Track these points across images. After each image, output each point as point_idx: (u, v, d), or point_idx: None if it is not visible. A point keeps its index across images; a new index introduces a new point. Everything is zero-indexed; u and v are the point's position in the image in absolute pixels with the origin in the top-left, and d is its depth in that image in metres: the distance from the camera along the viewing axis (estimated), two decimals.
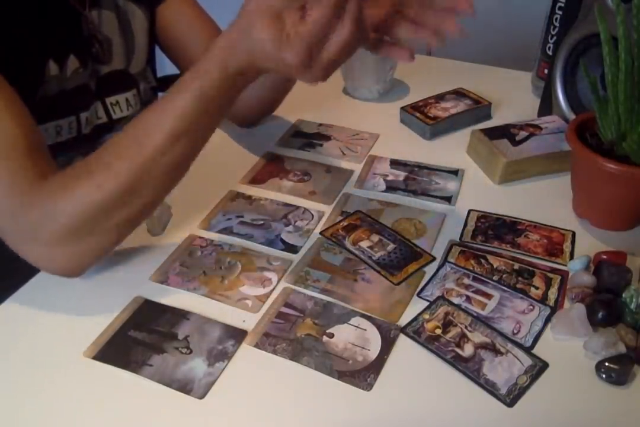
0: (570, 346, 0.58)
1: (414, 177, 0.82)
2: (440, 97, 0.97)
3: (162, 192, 0.61)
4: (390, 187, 0.80)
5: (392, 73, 1.01)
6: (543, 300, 0.63)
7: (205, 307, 0.62)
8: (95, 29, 0.75)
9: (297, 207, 0.76)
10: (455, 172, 0.83)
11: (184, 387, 0.54)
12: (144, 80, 0.86)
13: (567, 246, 0.70)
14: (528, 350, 0.57)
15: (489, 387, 0.54)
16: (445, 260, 0.68)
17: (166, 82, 1.03)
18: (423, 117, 0.92)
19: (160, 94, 1.03)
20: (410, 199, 0.78)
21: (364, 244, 0.70)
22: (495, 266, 0.67)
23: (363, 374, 0.55)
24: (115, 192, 0.56)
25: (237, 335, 0.59)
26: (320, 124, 0.94)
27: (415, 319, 0.61)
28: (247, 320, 0.61)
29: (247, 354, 0.57)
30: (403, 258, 0.68)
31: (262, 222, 0.74)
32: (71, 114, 0.74)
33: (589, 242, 0.71)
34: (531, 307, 0.62)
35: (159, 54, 0.90)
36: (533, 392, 0.54)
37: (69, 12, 0.72)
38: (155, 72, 0.91)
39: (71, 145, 0.76)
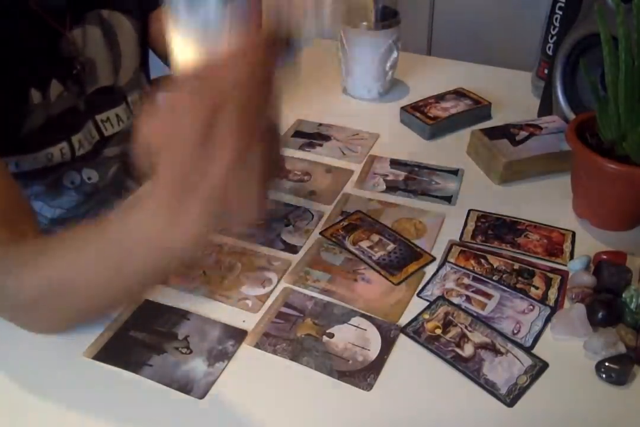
0: (570, 346, 0.58)
1: (414, 177, 0.82)
2: (440, 97, 0.97)
3: (100, 302, 0.54)
4: (390, 187, 0.80)
5: (392, 73, 1.01)
6: (543, 300, 0.63)
7: (205, 307, 0.62)
8: (76, 50, 0.72)
9: (297, 207, 0.76)
10: (455, 172, 0.83)
11: (184, 387, 0.54)
12: (137, 88, 0.83)
13: (567, 246, 0.70)
14: (528, 350, 0.57)
15: (489, 387, 0.54)
16: (445, 260, 0.68)
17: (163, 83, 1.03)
18: (423, 117, 0.92)
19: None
20: (410, 199, 0.78)
21: (364, 244, 0.70)
22: (495, 266, 0.67)
23: (363, 374, 0.55)
24: (48, 282, 0.52)
25: (237, 335, 0.59)
26: (320, 124, 0.94)
27: (415, 319, 0.61)
28: (247, 320, 0.61)
29: (247, 354, 0.57)
30: (403, 258, 0.68)
31: (262, 222, 0.74)
32: (62, 139, 0.71)
33: (589, 242, 0.71)
34: (531, 307, 0.62)
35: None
36: (533, 392, 0.54)
37: (49, 34, 0.68)
38: (149, 77, 0.90)
39: (63, 165, 0.73)
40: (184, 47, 0.44)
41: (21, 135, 0.66)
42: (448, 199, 0.78)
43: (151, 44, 0.86)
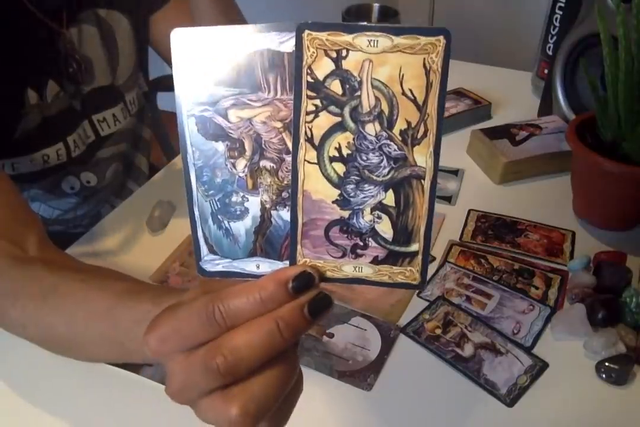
0: (570, 346, 0.58)
1: None
2: None
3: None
4: None
5: None
6: (543, 300, 0.63)
7: None
8: (72, 49, 0.70)
9: None
10: (455, 172, 0.83)
11: None
12: (135, 86, 0.83)
13: (567, 246, 0.70)
14: (528, 350, 0.57)
15: (489, 387, 0.54)
16: (445, 260, 0.68)
17: (164, 82, 1.03)
18: None
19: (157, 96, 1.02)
20: None
21: None
22: (495, 266, 0.67)
23: (363, 374, 0.55)
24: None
25: None
26: None
27: (415, 319, 0.61)
28: None
29: None
30: None
31: None
32: (58, 140, 0.70)
33: (589, 242, 0.71)
34: (531, 307, 0.62)
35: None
36: (533, 392, 0.54)
37: (45, 32, 0.67)
38: (148, 76, 0.89)
39: (60, 168, 0.73)
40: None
41: (17, 137, 0.66)
42: (448, 199, 0.78)
43: (154, 45, 0.86)
